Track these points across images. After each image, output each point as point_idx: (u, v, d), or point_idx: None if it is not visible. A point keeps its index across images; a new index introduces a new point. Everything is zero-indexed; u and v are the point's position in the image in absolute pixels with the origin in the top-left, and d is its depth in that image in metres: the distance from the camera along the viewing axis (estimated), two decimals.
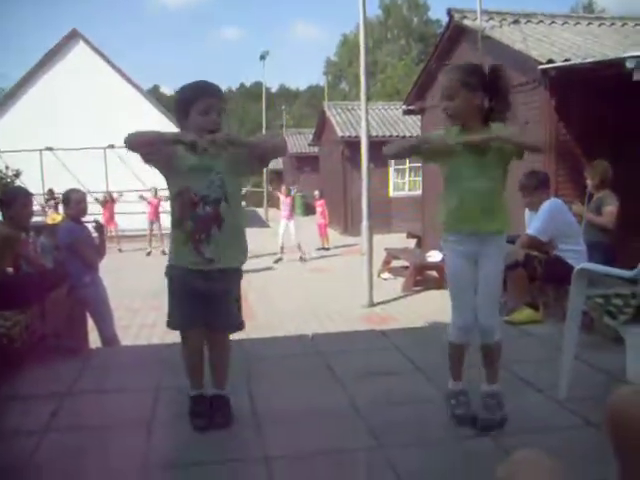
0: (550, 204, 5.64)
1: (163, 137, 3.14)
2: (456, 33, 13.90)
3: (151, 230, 20.17)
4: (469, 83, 3.21)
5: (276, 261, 17.77)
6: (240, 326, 3.43)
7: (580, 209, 6.83)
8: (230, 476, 2.91)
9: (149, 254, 19.55)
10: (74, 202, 5.83)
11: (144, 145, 3.16)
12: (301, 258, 17.93)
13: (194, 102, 3.15)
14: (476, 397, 3.40)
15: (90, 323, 6.04)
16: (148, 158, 3.19)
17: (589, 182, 6.96)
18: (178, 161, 3.16)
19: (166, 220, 20.09)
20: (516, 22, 12.77)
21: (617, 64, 8.07)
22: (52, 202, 18.65)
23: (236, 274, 3.37)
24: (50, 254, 6.17)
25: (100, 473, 2.96)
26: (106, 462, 3.07)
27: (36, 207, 19.17)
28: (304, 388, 3.98)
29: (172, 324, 3.37)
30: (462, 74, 3.22)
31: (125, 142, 3.08)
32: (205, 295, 3.26)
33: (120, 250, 20.80)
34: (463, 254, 3.32)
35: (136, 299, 12.75)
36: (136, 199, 21.00)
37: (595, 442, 3.06)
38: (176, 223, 3.26)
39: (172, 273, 3.32)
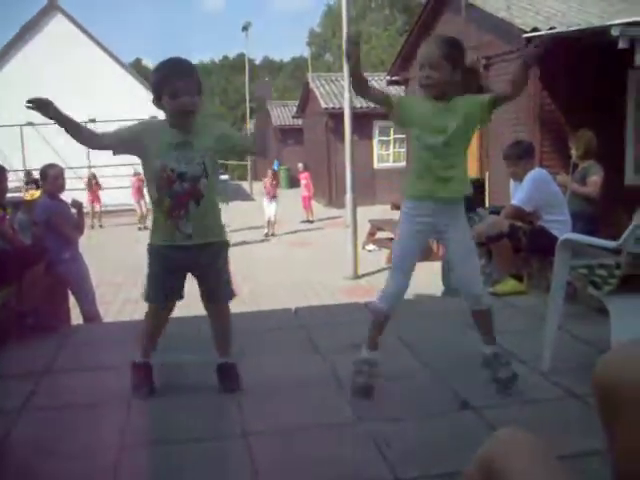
0: (534, 174, 5.59)
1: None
2: (439, 2, 13.75)
3: (140, 207, 19.98)
4: (453, 57, 3.21)
5: (267, 235, 17.99)
6: (231, 295, 3.49)
7: (565, 179, 6.80)
8: (211, 452, 2.87)
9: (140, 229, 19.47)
10: (51, 177, 5.72)
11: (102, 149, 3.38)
12: (266, 234, 18.03)
13: (163, 86, 3.14)
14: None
15: (72, 300, 5.97)
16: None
17: (573, 152, 6.93)
18: (155, 141, 3.18)
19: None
20: None
21: (602, 32, 8.01)
22: (32, 184, 18.43)
23: (219, 247, 3.40)
24: (28, 230, 6.07)
25: (78, 451, 2.90)
26: (84, 440, 3.02)
27: (17, 184, 19.05)
28: (286, 362, 3.95)
29: (149, 298, 3.41)
30: (447, 46, 3.21)
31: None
32: (188, 270, 3.35)
33: (101, 226, 20.67)
34: (419, 223, 3.32)
35: (119, 274, 12.67)
36: (119, 174, 20.78)
37: (579, 414, 3.05)
38: (155, 202, 3.28)
39: (152, 251, 3.35)
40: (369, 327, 3.48)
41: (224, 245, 3.43)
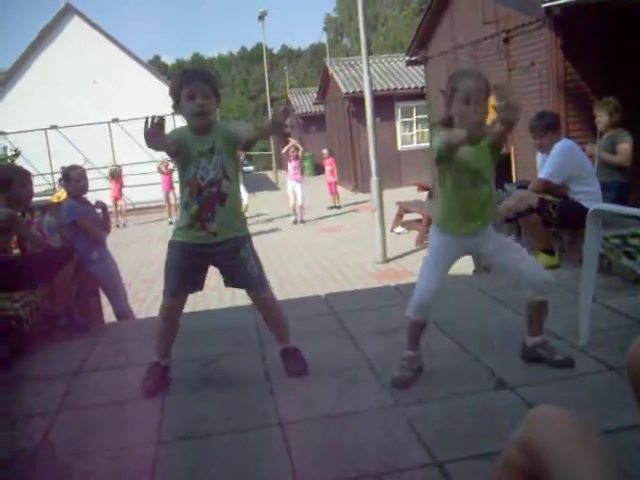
0: (561, 145, 5.48)
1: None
2: None
3: (168, 201, 19.98)
4: (488, 91, 3.14)
5: (295, 222, 17.84)
6: (265, 285, 3.58)
7: (594, 149, 6.66)
8: (247, 444, 2.86)
9: (171, 224, 19.53)
10: (74, 179, 5.73)
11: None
12: (295, 221, 17.91)
13: (181, 89, 3.30)
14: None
15: (104, 299, 6.01)
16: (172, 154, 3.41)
17: (598, 120, 6.77)
18: (189, 149, 3.32)
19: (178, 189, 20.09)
20: None
21: None
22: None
23: (240, 240, 3.48)
24: (57, 232, 6.11)
25: (115, 449, 2.91)
26: (120, 438, 3.02)
27: (45, 187, 19.27)
28: (319, 349, 3.91)
29: (167, 290, 3.52)
30: (486, 82, 3.13)
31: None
32: (209, 263, 3.47)
33: (124, 225, 20.65)
34: (452, 243, 3.29)
35: (151, 271, 12.75)
36: (145, 171, 20.93)
37: (619, 387, 2.98)
38: (183, 205, 3.43)
39: (174, 245, 3.47)
40: (408, 334, 3.41)
41: (245, 238, 3.51)
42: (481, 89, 3.10)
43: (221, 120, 3.62)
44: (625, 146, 6.48)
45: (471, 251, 3.38)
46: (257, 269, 3.50)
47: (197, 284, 3.51)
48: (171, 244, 3.47)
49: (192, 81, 3.30)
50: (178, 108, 3.36)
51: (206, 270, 3.51)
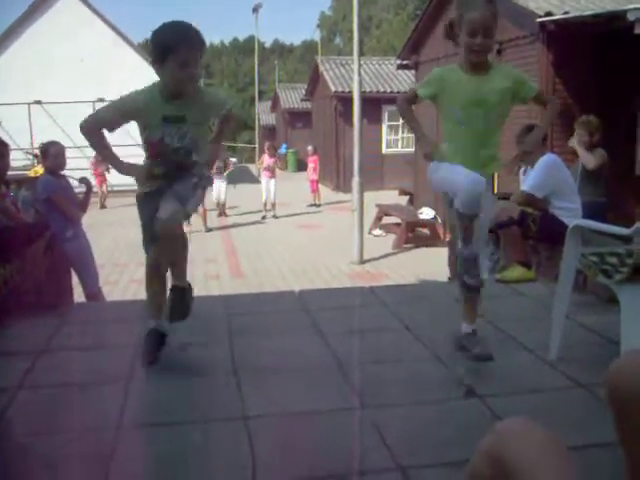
0: (546, 160, 5.50)
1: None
2: None
3: None
4: (495, 20, 3.12)
5: (263, 218, 17.70)
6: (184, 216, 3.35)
7: (574, 142, 6.76)
8: (209, 435, 2.81)
9: None
10: (52, 155, 5.65)
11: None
12: (264, 217, 17.85)
13: (173, 51, 3.02)
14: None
15: (75, 279, 5.92)
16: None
17: (579, 139, 6.77)
18: (149, 117, 3.18)
19: None
20: None
21: (618, 17, 7.86)
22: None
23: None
24: (31, 207, 6.02)
25: (74, 431, 2.85)
26: (80, 420, 2.96)
27: (24, 162, 19.03)
28: (288, 345, 3.87)
29: (147, 241, 3.38)
30: (495, 8, 3.11)
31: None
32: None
33: (105, 206, 20.62)
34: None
35: (124, 255, 12.63)
36: (127, 154, 20.68)
37: (586, 404, 2.98)
38: (146, 164, 3.36)
39: (139, 198, 3.41)
40: (460, 231, 3.37)
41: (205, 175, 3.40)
42: (489, 21, 3.07)
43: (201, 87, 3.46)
44: (601, 151, 6.56)
45: None
46: (192, 191, 3.28)
47: None
48: (137, 198, 3.40)
49: (189, 46, 3.03)
50: (158, 66, 3.08)
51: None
